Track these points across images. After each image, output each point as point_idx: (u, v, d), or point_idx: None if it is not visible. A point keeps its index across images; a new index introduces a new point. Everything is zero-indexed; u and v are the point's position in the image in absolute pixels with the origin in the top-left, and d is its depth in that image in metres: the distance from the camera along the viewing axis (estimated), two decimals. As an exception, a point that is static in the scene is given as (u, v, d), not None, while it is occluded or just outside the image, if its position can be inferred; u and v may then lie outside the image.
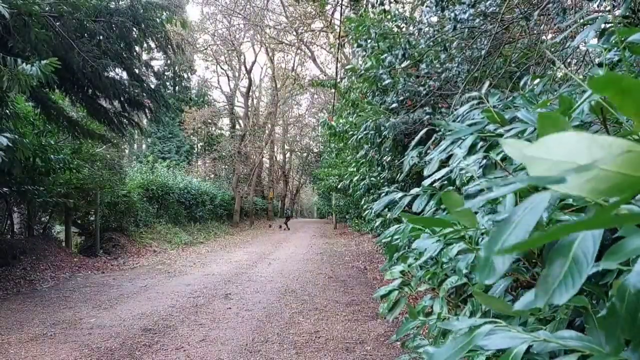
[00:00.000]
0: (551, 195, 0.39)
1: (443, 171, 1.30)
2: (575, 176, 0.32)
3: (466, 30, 3.71)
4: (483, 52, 3.50)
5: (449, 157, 1.33)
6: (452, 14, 3.54)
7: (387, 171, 5.50)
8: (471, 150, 1.14)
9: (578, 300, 0.77)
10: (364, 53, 4.99)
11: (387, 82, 4.54)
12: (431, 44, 4.13)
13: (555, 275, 0.39)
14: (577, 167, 0.33)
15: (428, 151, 1.63)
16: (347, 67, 6.15)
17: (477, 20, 3.62)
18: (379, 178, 5.87)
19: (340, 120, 7.03)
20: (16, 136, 6.00)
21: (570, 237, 0.40)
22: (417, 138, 1.65)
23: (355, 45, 5.25)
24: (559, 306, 0.84)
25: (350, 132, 6.37)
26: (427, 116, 4.22)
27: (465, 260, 1.07)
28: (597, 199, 0.34)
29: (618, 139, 0.34)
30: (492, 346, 0.55)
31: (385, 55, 4.48)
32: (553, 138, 0.36)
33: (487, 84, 1.40)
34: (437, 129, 2.11)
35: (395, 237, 1.40)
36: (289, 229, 20.00)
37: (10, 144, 4.79)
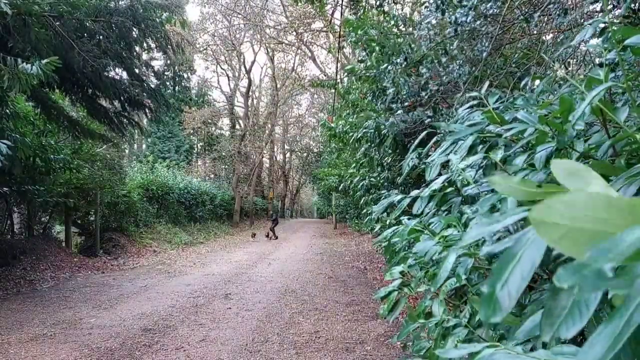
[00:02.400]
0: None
1: (442, 178, 1.30)
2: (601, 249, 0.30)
3: (466, 31, 3.71)
4: (484, 54, 3.49)
5: (448, 161, 1.33)
6: (453, 17, 3.53)
7: (387, 171, 5.50)
8: (471, 151, 1.14)
9: None
10: (367, 54, 4.99)
11: (387, 83, 4.53)
12: (432, 47, 4.12)
13: (561, 307, 0.37)
14: (606, 238, 0.30)
15: (429, 153, 1.63)
16: (347, 67, 6.14)
17: (478, 22, 3.62)
18: (378, 178, 5.87)
19: (340, 122, 7.03)
20: (17, 136, 6.01)
21: (601, 283, 0.38)
22: (417, 140, 1.65)
23: (357, 51, 5.25)
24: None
25: (350, 133, 6.37)
26: (429, 119, 4.21)
27: (464, 265, 1.07)
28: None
29: (638, 201, 0.31)
30: None
31: (386, 65, 4.48)
32: (561, 200, 0.33)
33: (487, 84, 1.40)
34: (438, 130, 2.11)
35: (394, 239, 1.41)
36: (276, 238, 15.26)
37: (9, 152, 4.79)
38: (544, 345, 0.85)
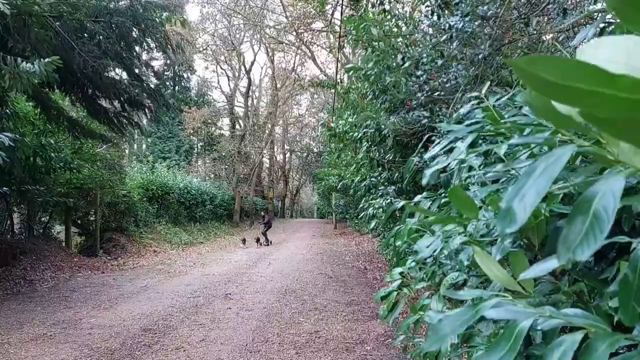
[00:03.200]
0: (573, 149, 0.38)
1: (445, 162, 1.30)
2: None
3: (465, 34, 3.71)
4: (482, 55, 3.49)
5: (446, 167, 1.33)
6: (447, 24, 3.54)
7: (387, 171, 5.50)
8: (472, 148, 1.14)
9: (578, 286, 0.77)
10: (368, 56, 4.99)
11: (388, 82, 4.54)
12: (429, 50, 4.13)
13: (576, 232, 0.39)
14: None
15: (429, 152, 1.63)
16: (347, 66, 6.15)
17: (477, 23, 3.62)
18: (379, 178, 5.88)
19: (340, 122, 7.02)
20: (17, 135, 6.00)
21: (591, 193, 0.39)
22: (420, 145, 1.65)
23: (360, 45, 5.25)
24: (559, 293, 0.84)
25: (350, 133, 6.37)
26: (425, 120, 4.22)
27: (466, 253, 1.07)
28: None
29: None
30: (497, 317, 0.55)
31: (386, 58, 4.48)
32: (610, 40, 0.33)
33: (487, 84, 1.40)
34: (437, 131, 2.11)
35: (397, 242, 1.41)
36: (268, 244, 13.27)
37: (11, 143, 4.79)
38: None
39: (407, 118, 4.45)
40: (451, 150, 1.28)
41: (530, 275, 0.64)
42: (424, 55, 4.11)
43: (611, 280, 0.78)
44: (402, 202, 1.42)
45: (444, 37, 3.66)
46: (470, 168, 1.24)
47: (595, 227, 0.38)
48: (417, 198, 1.43)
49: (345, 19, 5.71)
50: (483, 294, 0.58)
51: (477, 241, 1.03)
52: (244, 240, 13.43)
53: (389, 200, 4.68)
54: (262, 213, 15.81)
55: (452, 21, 3.40)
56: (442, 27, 3.58)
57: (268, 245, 13.16)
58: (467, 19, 3.31)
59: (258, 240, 13.09)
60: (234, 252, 11.44)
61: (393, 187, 5.27)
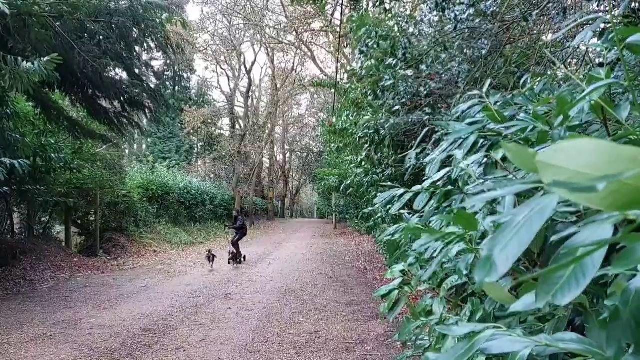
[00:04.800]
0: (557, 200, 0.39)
1: (442, 172, 1.30)
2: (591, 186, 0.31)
3: (467, 30, 3.71)
4: (484, 52, 3.50)
5: (449, 157, 1.33)
6: (452, 14, 3.54)
7: (390, 169, 5.52)
8: (472, 149, 1.14)
9: (578, 298, 0.77)
10: (366, 56, 4.99)
11: (388, 83, 4.54)
12: (432, 44, 4.13)
13: (558, 275, 0.38)
14: (605, 178, 0.31)
15: (427, 152, 1.63)
16: (348, 69, 6.15)
17: (478, 20, 3.62)
18: (381, 175, 5.89)
19: (342, 118, 7.01)
20: (17, 136, 6.01)
21: (576, 242, 0.39)
22: (418, 140, 1.65)
23: (358, 52, 5.26)
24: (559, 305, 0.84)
25: (351, 131, 6.36)
26: (427, 117, 4.22)
27: (465, 260, 1.07)
28: (613, 211, 0.33)
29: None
30: (494, 350, 0.55)
31: (389, 58, 4.48)
32: (570, 145, 0.34)
33: (488, 83, 1.40)
34: (437, 129, 2.11)
35: (396, 235, 1.41)
36: (241, 261, 9.25)
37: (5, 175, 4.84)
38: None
39: (408, 118, 4.46)
40: (450, 152, 1.28)
41: (519, 309, 0.64)
42: (426, 47, 4.12)
43: (609, 284, 0.78)
44: (402, 190, 1.41)
45: (448, 27, 3.67)
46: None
47: (579, 273, 0.37)
48: (416, 188, 1.42)
49: (346, 18, 5.72)
50: (476, 327, 0.58)
51: (476, 249, 1.03)
52: (210, 256, 8.54)
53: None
54: (234, 213, 10.32)
55: (458, 10, 3.41)
56: (448, 17, 3.59)
57: (240, 262, 9.14)
58: (471, 10, 3.32)
59: (230, 256, 8.92)
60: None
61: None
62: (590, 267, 0.37)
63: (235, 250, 9.02)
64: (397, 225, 1.44)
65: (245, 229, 10.03)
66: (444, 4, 3.69)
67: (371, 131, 5.05)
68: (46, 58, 4.51)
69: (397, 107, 4.66)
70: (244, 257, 9.45)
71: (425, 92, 4.29)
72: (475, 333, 0.57)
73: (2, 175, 4.84)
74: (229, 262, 8.93)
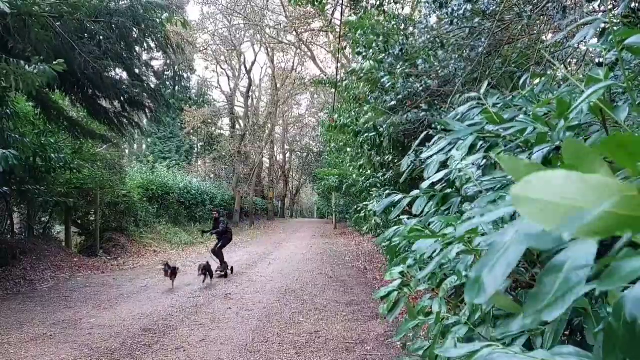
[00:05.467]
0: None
1: (441, 174, 1.30)
2: (569, 219, 0.33)
3: (467, 29, 3.71)
4: (481, 49, 3.49)
5: (448, 159, 1.33)
6: (450, 9, 3.54)
7: (390, 171, 5.52)
8: (471, 150, 1.14)
9: (578, 302, 0.77)
10: (365, 57, 5.00)
11: (387, 84, 4.54)
12: (429, 43, 4.13)
13: (546, 292, 0.39)
14: (578, 213, 0.32)
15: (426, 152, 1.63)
16: (349, 69, 6.16)
17: (477, 19, 3.62)
18: (382, 179, 5.89)
19: (344, 114, 7.00)
20: (17, 136, 6.01)
21: (562, 258, 0.40)
22: (417, 142, 1.66)
23: (355, 53, 5.26)
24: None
25: (351, 127, 6.34)
26: (424, 113, 4.22)
27: (464, 262, 1.07)
28: (590, 238, 0.34)
29: (608, 180, 0.34)
30: None
31: (384, 55, 4.48)
32: (540, 177, 0.36)
33: (486, 84, 1.40)
34: (435, 126, 2.11)
35: (395, 238, 1.41)
36: (226, 273, 7.71)
37: (15, 161, 4.82)
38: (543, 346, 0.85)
39: (407, 118, 4.46)
40: (449, 152, 1.28)
41: (515, 329, 0.64)
42: (422, 40, 4.12)
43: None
44: (400, 195, 1.42)
45: (445, 20, 3.67)
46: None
47: (567, 290, 0.38)
48: (414, 193, 1.43)
49: (346, 22, 5.72)
50: (474, 347, 0.59)
51: (476, 250, 1.03)
52: (167, 270, 6.52)
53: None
54: (214, 214, 8.41)
55: (455, 4, 3.41)
56: (445, 12, 3.59)
57: (225, 275, 7.51)
58: (469, 6, 3.32)
59: (204, 270, 6.72)
60: (234, 252, 11.43)
61: (387, 190, 5.29)
62: (576, 285, 0.37)
63: (208, 264, 6.82)
64: (396, 228, 1.44)
65: (230, 234, 8.20)
66: (441, 0, 3.69)
67: (372, 133, 5.05)
68: (55, 62, 4.53)
69: (393, 103, 4.65)
70: (231, 269, 7.65)
71: (421, 89, 4.28)
72: (473, 353, 0.57)
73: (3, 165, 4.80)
74: (200, 275, 6.70)
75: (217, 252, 7.76)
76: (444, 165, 1.38)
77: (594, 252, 0.36)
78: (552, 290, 0.38)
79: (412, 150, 1.64)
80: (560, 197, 0.34)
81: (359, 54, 5.00)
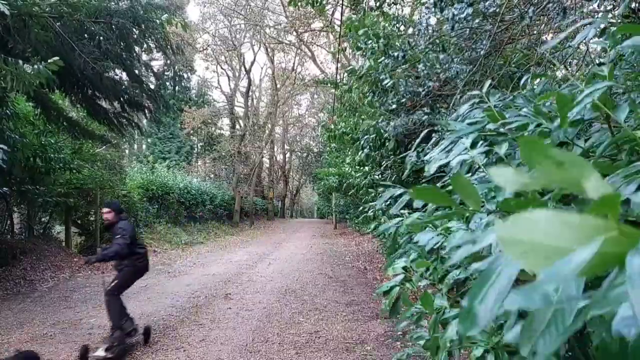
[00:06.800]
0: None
1: (443, 160, 1.30)
2: (555, 263, 0.33)
3: (467, 30, 3.72)
4: (482, 52, 3.50)
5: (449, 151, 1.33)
6: (450, 14, 3.54)
7: (390, 171, 5.52)
8: (472, 148, 1.15)
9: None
10: (364, 55, 5.00)
11: (387, 83, 4.54)
12: (430, 45, 4.14)
13: (539, 321, 0.39)
14: (563, 255, 0.33)
15: (427, 150, 1.63)
16: (348, 68, 6.15)
17: (477, 20, 3.63)
18: (382, 177, 5.89)
19: (341, 124, 7.02)
20: (17, 137, 6.01)
21: (546, 303, 0.39)
22: (418, 140, 1.66)
23: (355, 48, 5.26)
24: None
25: (349, 135, 6.37)
26: (426, 116, 4.23)
27: (467, 249, 1.07)
28: (577, 277, 0.35)
29: (591, 220, 0.35)
30: None
31: (384, 58, 4.48)
32: (524, 218, 0.36)
33: (488, 83, 1.40)
34: (437, 128, 2.11)
35: (400, 230, 1.41)
36: (142, 340, 4.10)
37: (4, 157, 4.77)
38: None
39: (409, 120, 4.46)
40: (450, 151, 1.28)
41: (511, 340, 0.64)
42: (423, 47, 4.12)
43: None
44: (401, 190, 1.42)
45: (445, 26, 3.68)
46: (470, 168, 1.24)
47: (559, 322, 0.37)
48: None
49: (346, 22, 5.73)
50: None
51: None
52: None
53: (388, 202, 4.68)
54: (105, 215, 4.17)
55: (456, 9, 3.41)
56: (446, 16, 3.59)
57: (131, 335, 4.03)
58: (470, 10, 3.32)
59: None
60: (234, 252, 11.43)
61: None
62: (567, 315, 0.37)
63: (115, 314, 4.02)
64: (399, 219, 1.44)
65: (146, 262, 4.55)
66: (442, 3, 3.69)
67: (372, 135, 5.05)
68: (50, 60, 4.52)
69: (394, 106, 4.66)
70: (146, 331, 4.17)
71: (424, 92, 4.30)
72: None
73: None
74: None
75: (110, 300, 4.08)
76: (445, 165, 1.38)
77: (582, 282, 0.37)
78: (546, 319, 0.38)
79: (413, 149, 1.64)
80: (545, 238, 0.35)
81: (358, 48, 5.00)
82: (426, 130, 1.67)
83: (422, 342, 1.25)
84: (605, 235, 0.33)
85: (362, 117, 6.06)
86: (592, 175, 0.39)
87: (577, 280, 0.37)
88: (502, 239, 0.36)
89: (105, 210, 4.20)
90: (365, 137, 5.26)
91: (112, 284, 4.27)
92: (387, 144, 4.92)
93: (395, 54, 4.31)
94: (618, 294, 0.32)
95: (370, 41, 4.71)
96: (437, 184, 1.43)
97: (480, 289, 0.41)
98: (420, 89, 4.27)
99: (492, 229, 0.47)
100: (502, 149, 1.04)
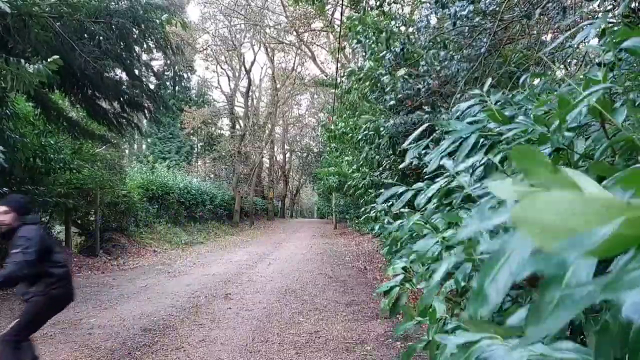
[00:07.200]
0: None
1: (444, 178, 1.30)
2: (571, 242, 0.33)
3: (467, 28, 3.72)
4: (482, 49, 3.50)
5: (450, 153, 1.33)
6: (452, 11, 3.55)
7: (388, 171, 5.53)
8: (473, 149, 1.15)
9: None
10: (364, 51, 5.01)
11: (387, 82, 4.55)
12: (430, 43, 4.14)
13: (547, 302, 0.38)
14: (579, 235, 0.32)
15: (427, 150, 1.64)
16: (348, 69, 6.16)
17: (477, 19, 3.63)
18: (380, 177, 5.90)
19: (340, 123, 7.03)
20: (16, 137, 6.01)
21: (561, 271, 0.39)
22: (416, 132, 1.66)
23: (355, 42, 5.26)
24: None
25: (350, 135, 6.38)
26: (427, 115, 4.23)
27: (462, 271, 1.07)
28: (593, 258, 0.35)
29: (613, 200, 0.34)
30: None
31: (384, 52, 4.48)
32: (542, 198, 0.35)
33: (489, 81, 1.40)
34: (437, 127, 2.10)
35: (398, 232, 1.42)
36: None
37: (2, 157, 4.76)
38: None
39: (409, 119, 4.47)
40: (452, 152, 1.28)
41: (514, 323, 0.65)
42: (423, 44, 4.13)
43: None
44: (403, 188, 1.42)
45: (447, 23, 3.69)
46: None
47: (568, 301, 0.37)
48: (417, 185, 1.43)
49: (347, 19, 5.73)
50: (473, 336, 0.59)
51: (474, 259, 1.03)
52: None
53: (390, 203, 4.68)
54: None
55: (457, 6, 3.42)
56: (447, 14, 3.60)
57: None
58: (471, 7, 3.33)
59: None
60: (234, 252, 11.43)
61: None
62: (577, 301, 0.37)
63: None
64: (400, 221, 1.45)
65: (60, 284, 3.50)
66: (443, 1, 3.70)
67: (371, 132, 5.06)
68: (50, 59, 4.52)
69: (392, 102, 4.65)
70: None
71: (424, 90, 4.30)
72: (473, 343, 0.57)
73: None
74: None
75: (5, 350, 2.95)
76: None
77: (594, 265, 0.36)
78: (554, 301, 0.38)
79: (413, 144, 1.63)
80: (562, 219, 0.34)
81: (359, 42, 5.00)
82: (424, 126, 1.67)
83: (421, 345, 1.25)
84: (626, 216, 0.32)
85: (363, 116, 6.07)
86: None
87: (589, 260, 0.36)
88: (517, 219, 0.35)
89: (1, 209, 2.83)
90: (364, 132, 5.27)
91: (13, 324, 2.95)
92: (381, 140, 4.93)
93: (396, 49, 4.31)
94: (634, 278, 0.32)
95: (372, 35, 4.70)
96: (439, 181, 1.43)
97: (491, 269, 0.41)
98: (420, 86, 4.27)
99: (506, 209, 0.47)
100: (497, 157, 1.05)
